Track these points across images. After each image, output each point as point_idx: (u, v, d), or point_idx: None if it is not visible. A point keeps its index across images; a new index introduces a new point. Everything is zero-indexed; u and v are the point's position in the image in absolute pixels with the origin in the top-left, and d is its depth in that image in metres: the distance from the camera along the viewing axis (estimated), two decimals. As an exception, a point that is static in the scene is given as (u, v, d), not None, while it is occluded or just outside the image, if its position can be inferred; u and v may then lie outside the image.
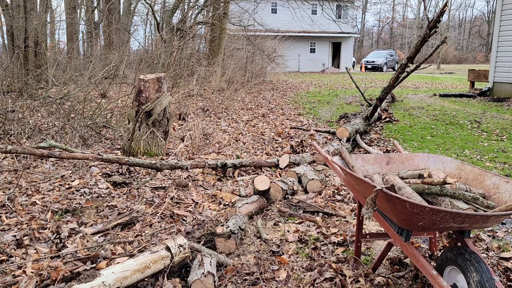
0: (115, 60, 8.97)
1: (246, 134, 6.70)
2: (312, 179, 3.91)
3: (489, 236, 2.94)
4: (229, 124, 7.54)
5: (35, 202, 3.41)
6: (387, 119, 7.91)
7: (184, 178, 4.14)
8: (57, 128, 5.81)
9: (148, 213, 3.24)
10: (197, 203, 3.56)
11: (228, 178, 4.34)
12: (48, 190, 3.70)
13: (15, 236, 2.76)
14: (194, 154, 5.22)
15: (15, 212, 3.19)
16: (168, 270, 2.30)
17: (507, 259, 2.56)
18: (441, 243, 2.76)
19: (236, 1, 15.00)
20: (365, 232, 2.69)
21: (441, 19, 5.33)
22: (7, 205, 3.30)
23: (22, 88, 7.51)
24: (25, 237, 2.76)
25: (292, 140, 6.15)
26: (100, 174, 4.15)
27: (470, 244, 1.98)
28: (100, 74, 7.90)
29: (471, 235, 2.25)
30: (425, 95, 12.87)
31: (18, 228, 2.92)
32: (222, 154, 5.26)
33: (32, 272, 2.29)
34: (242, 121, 8.00)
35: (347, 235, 2.91)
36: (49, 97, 6.85)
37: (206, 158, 4.98)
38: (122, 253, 2.56)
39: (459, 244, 2.04)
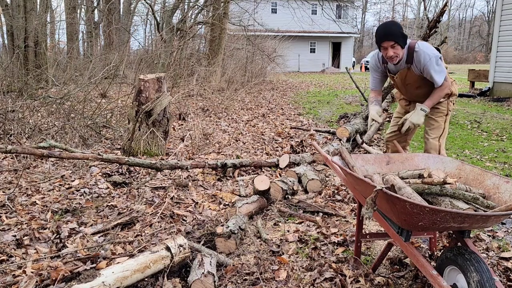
0: (115, 60, 8.97)
1: (246, 134, 6.70)
2: (312, 179, 3.91)
3: (489, 236, 2.94)
4: (229, 124, 7.54)
5: (35, 202, 3.41)
6: (388, 119, 7.91)
7: (184, 178, 4.14)
8: (57, 128, 5.81)
9: (148, 213, 3.24)
10: (197, 203, 3.56)
11: (228, 178, 4.34)
12: (48, 190, 3.70)
13: (15, 236, 2.76)
14: (194, 154, 5.22)
15: (15, 212, 3.19)
16: (168, 270, 2.30)
17: (507, 259, 2.56)
18: (441, 243, 2.76)
19: (236, 1, 15.00)
20: (365, 232, 2.69)
21: (441, 19, 5.33)
22: (7, 205, 3.30)
23: (22, 88, 7.51)
24: (25, 237, 2.76)
25: (292, 140, 6.15)
26: (100, 174, 4.15)
27: (470, 244, 1.98)
28: (100, 74, 7.90)
29: (471, 235, 2.25)
30: (425, 95, 12.85)
31: (18, 228, 2.92)
32: (222, 154, 5.26)
33: (32, 272, 2.29)
34: (242, 121, 8.00)
35: (347, 235, 2.91)
36: (49, 97, 6.85)
37: (206, 158, 4.98)
38: (122, 253, 2.56)
39: (459, 244, 2.04)
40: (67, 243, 2.73)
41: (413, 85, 3.14)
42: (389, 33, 2.83)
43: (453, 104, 3.28)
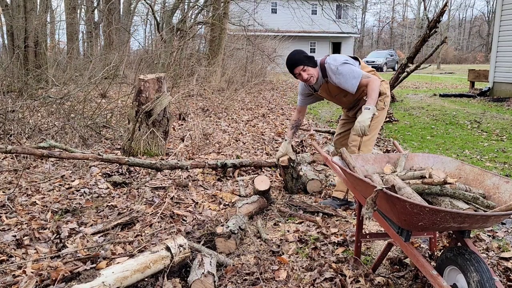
0: (115, 60, 8.98)
1: (246, 134, 6.70)
2: (312, 179, 3.91)
3: (489, 236, 2.94)
4: (229, 124, 7.54)
5: (35, 202, 3.41)
6: (387, 119, 7.92)
7: (184, 178, 4.14)
8: (57, 128, 5.81)
9: (148, 213, 3.24)
10: (197, 203, 3.56)
11: (228, 178, 4.34)
12: (48, 190, 3.70)
13: (15, 236, 2.76)
14: (194, 154, 5.22)
15: (15, 212, 3.19)
16: (168, 270, 2.30)
17: (507, 259, 2.56)
18: (441, 243, 2.76)
19: (236, 1, 15.01)
20: (365, 232, 2.69)
21: (441, 19, 5.33)
22: (7, 205, 3.30)
23: (22, 88, 7.51)
24: (25, 237, 2.76)
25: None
26: (100, 174, 4.15)
27: (470, 244, 1.98)
28: (100, 74, 7.90)
29: (471, 235, 2.25)
30: (425, 95, 12.87)
31: (18, 228, 2.92)
32: (222, 154, 5.26)
33: (32, 272, 2.29)
34: (242, 121, 8.00)
35: (347, 235, 2.91)
36: (49, 97, 6.85)
37: (206, 158, 4.98)
38: (122, 253, 2.56)
39: (459, 244, 2.04)
40: (67, 243, 2.73)
41: (339, 94, 3.34)
42: (295, 60, 3.17)
43: (384, 103, 3.34)
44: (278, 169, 3.70)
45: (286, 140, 3.71)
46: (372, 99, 3.06)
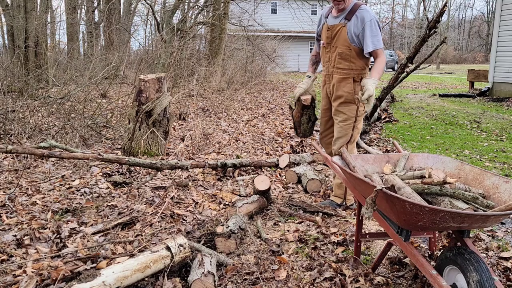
0: (116, 60, 8.98)
1: (246, 134, 6.70)
2: (312, 179, 3.92)
3: (489, 236, 2.95)
4: (229, 124, 7.54)
5: (35, 202, 3.41)
6: (387, 119, 7.92)
7: (184, 178, 4.15)
8: (58, 128, 5.82)
9: (149, 212, 3.24)
10: (197, 203, 3.57)
11: (228, 178, 4.34)
12: (48, 190, 3.70)
13: (15, 236, 2.77)
14: (194, 154, 5.22)
15: (15, 212, 3.19)
16: (168, 270, 2.31)
17: (506, 259, 2.56)
18: (440, 242, 2.77)
19: (236, 1, 15.01)
20: (365, 231, 2.69)
21: (440, 19, 5.34)
22: (8, 205, 3.30)
23: (23, 88, 7.51)
24: (26, 237, 2.76)
25: (292, 140, 6.16)
26: (101, 174, 4.16)
27: (470, 243, 1.98)
28: (101, 74, 7.90)
29: (470, 235, 2.25)
30: (424, 95, 12.87)
31: (19, 228, 2.92)
32: (222, 154, 5.27)
33: (32, 272, 2.29)
34: (242, 121, 8.00)
35: (347, 234, 2.92)
36: (49, 97, 6.85)
37: (206, 158, 4.98)
38: (122, 252, 2.57)
39: (458, 244, 2.05)
40: (68, 243, 2.74)
41: (337, 48, 3.15)
42: None
43: (364, 108, 3.23)
44: (291, 109, 3.55)
45: (309, 76, 3.48)
46: (377, 73, 2.95)
